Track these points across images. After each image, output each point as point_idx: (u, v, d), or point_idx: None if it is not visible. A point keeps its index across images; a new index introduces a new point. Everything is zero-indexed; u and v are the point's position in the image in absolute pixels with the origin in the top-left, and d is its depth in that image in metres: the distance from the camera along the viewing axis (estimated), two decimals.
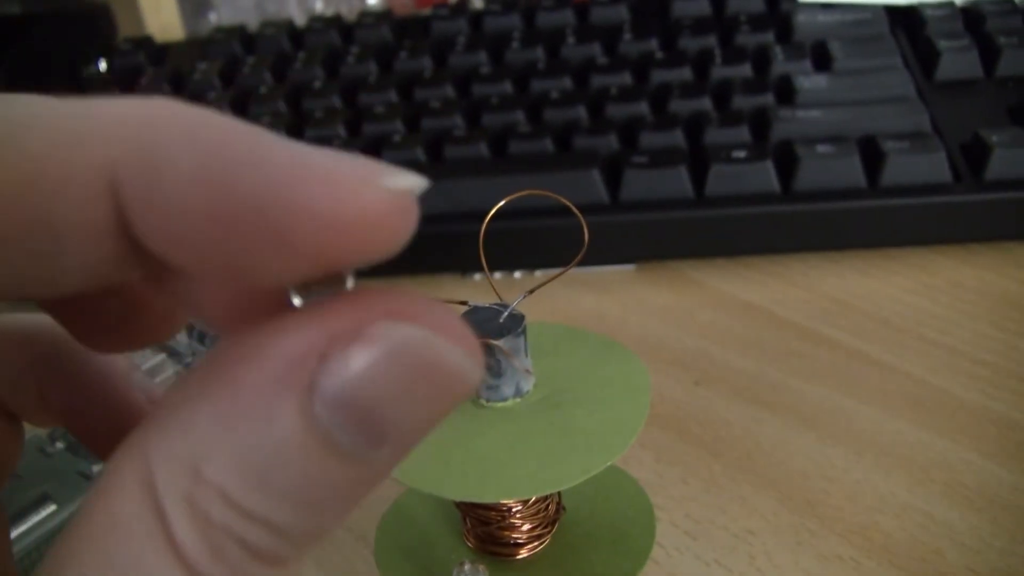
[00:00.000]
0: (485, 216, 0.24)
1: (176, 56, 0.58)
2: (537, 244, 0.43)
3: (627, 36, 0.52)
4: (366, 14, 0.58)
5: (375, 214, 0.12)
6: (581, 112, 0.47)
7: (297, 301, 0.13)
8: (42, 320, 0.18)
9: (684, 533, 0.29)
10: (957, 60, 0.47)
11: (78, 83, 0.56)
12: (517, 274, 0.45)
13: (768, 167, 0.42)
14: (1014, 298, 0.39)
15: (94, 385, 0.19)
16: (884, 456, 0.31)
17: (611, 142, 0.45)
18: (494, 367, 0.23)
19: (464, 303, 0.24)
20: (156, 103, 0.12)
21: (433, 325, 0.12)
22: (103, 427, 0.19)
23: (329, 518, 0.12)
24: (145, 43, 0.59)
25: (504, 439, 0.22)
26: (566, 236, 0.42)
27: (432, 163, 0.46)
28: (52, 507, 0.28)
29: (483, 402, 0.23)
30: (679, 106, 0.46)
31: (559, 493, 0.26)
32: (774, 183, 0.42)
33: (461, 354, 0.12)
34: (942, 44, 0.47)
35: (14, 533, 0.27)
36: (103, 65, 0.57)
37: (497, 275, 0.45)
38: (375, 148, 0.46)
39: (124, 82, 0.55)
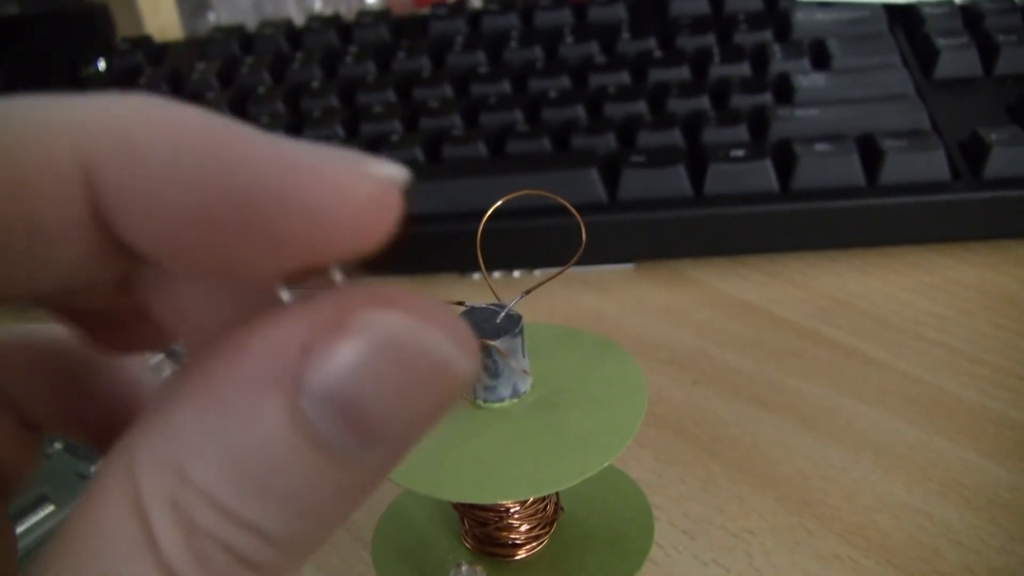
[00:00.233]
0: (483, 216, 0.24)
1: (175, 56, 0.58)
2: (536, 243, 0.43)
3: (625, 35, 0.52)
4: (364, 14, 0.58)
5: (363, 204, 0.11)
6: (579, 111, 0.47)
7: (287, 297, 0.12)
8: (62, 331, 0.18)
9: (682, 533, 0.29)
10: (956, 58, 0.46)
11: (77, 83, 0.56)
12: (516, 273, 0.45)
13: (767, 166, 0.42)
14: (1013, 296, 0.39)
15: (114, 395, 0.18)
16: (882, 455, 0.31)
17: (609, 141, 0.45)
18: (491, 368, 0.23)
19: (461, 303, 0.24)
20: (134, 97, 0.12)
21: (420, 315, 0.12)
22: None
23: (320, 526, 0.12)
24: (144, 43, 0.59)
25: (501, 440, 0.22)
26: (565, 235, 0.42)
27: (430, 163, 0.46)
28: (50, 508, 0.28)
29: (480, 403, 0.23)
30: (677, 105, 0.46)
31: (557, 494, 0.26)
32: (772, 182, 0.42)
33: (450, 344, 0.12)
34: (941, 42, 0.47)
35: None
36: (102, 65, 0.57)
37: (496, 274, 0.44)
38: (373, 148, 0.46)
39: (123, 82, 0.55)
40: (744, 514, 0.30)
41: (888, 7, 0.51)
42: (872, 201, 0.41)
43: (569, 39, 0.52)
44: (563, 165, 0.43)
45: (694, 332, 0.39)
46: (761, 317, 0.40)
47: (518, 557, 0.25)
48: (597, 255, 0.44)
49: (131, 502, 0.11)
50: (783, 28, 0.51)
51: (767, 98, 0.46)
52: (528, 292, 0.24)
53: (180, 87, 0.54)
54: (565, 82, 0.49)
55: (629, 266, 0.45)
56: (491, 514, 0.25)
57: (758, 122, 0.45)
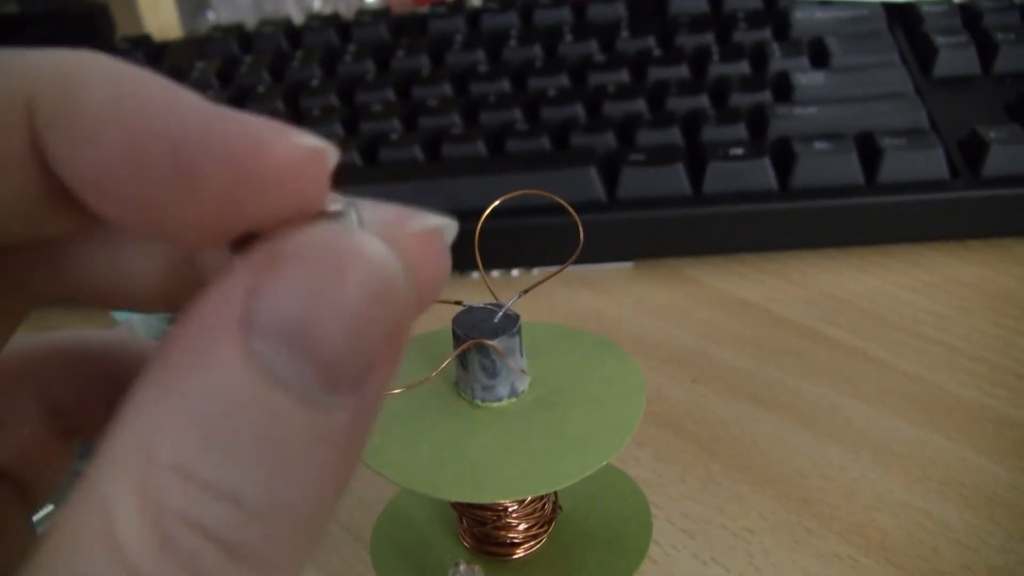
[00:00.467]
0: (481, 214, 0.24)
1: (174, 55, 0.58)
2: (534, 242, 0.43)
3: (624, 34, 0.52)
4: (364, 12, 0.58)
5: (281, 163, 0.12)
6: (578, 110, 0.47)
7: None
8: (113, 335, 0.18)
9: (682, 531, 0.29)
10: (955, 56, 0.46)
11: None
12: (514, 272, 0.45)
13: (766, 164, 0.42)
14: (1011, 295, 0.39)
15: None
16: (881, 454, 0.31)
17: (608, 140, 0.45)
18: (489, 367, 0.23)
19: (459, 303, 0.24)
20: (78, 51, 0.13)
21: (349, 233, 0.12)
22: None
23: (294, 486, 0.11)
24: (143, 42, 0.59)
25: (499, 439, 0.22)
26: (563, 234, 0.42)
27: (429, 161, 0.46)
28: (49, 507, 0.28)
29: (478, 402, 0.23)
30: (676, 103, 0.46)
31: (555, 493, 0.26)
32: (771, 180, 0.42)
33: (385, 252, 0.12)
34: (940, 40, 0.47)
35: None
36: None
37: (494, 273, 0.44)
38: (372, 146, 0.46)
39: None
40: (743, 513, 0.30)
41: (887, 5, 0.51)
42: (871, 199, 0.41)
43: (568, 38, 0.52)
44: (562, 164, 0.43)
45: (693, 331, 0.39)
46: (760, 316, 0.40)
47: (516, 556, 0.26)
48: (596, 254, 0.43)
49: (93, 498, 0.11)
50: (782, 26, 0.51)
51: (766, 97, 0.46)
52: (526, 291, 0.24)
53: None
54: (564, 81, 0.49)
55: (628, 265, 0.45)
56: (489, 513, 0.25)
57: (757, 121, 0.45)
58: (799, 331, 0.38)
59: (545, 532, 0.26)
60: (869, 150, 0.42)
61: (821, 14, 0.51)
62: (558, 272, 0.24)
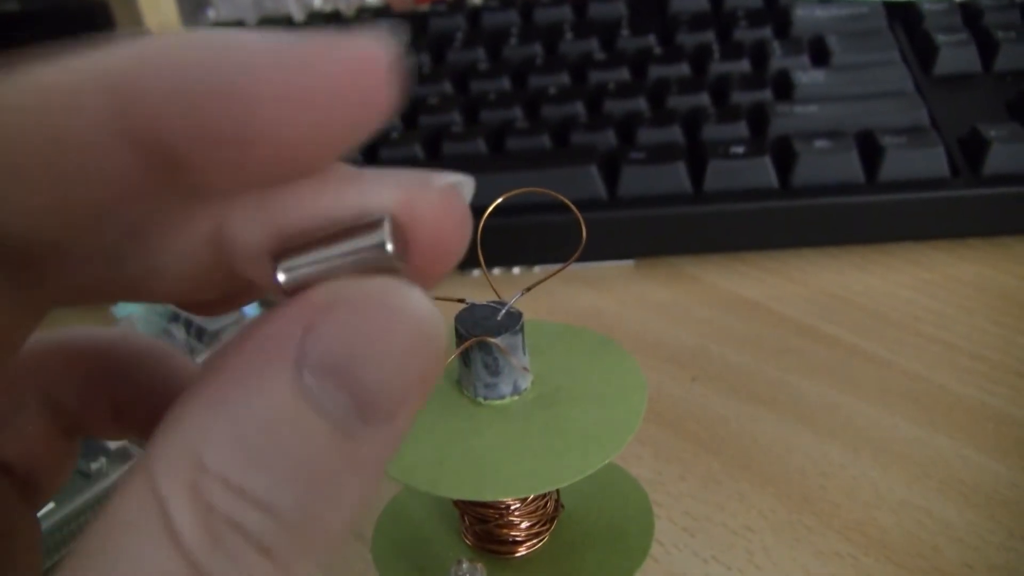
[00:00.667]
0: (483, 213, 0.24)
1: None
2: (536, 240, 0.43)
3: (625, 32, 0.51)
4: (364, 10, 0.58)
5: (338, 73, 0.12)
6: (579, 108, 0.47)
7: (282, 277, 0.13)
8: (115, 333, 0.19)
9: (682, 530, 0.29)
10: (955, 55, 0.46)
11: None
12: (516, 270, 0.45)
13: (766, 162, 0.42)
14: (1011, 293, 0.39)
15: (159, 391, 0.19)
16: (881, 452, 0.32)
17: (609, 138, 0.45)
18: (491, 365, 0.23)
19: (462, 300, 0.24)
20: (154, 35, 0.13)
21: (400, 287, 0.13)
22: None
23: (328, 505, 0.12)
24: None
25: (501, 437, 0.22)
26: (565, 232, 0.42)
27: (430, 159, 0.46)
28: (50, 505, 0.28)
29: (480, 400, 0.23)
30: (677, 102, 0.46)
31: (557, 491, 0.26)
32: (772, 179, 0.42)
33: (427, 306, 0.13)
34: (940, 39, 0.47)
35: None
36: None
37: (496, 271, 0.45)
38: (372, 145, 0.46)
39: None
40: (744, 511, 0.30)
41: (888, 4, 0.51)
42: (871, 198, 0.41)
43: (569, 36, 0.52)
44: (563, 162, 0.43)
45: (694, 329, 0.39)
46: (760, 314, 0.40)
47: (518, 554, 0.26)
48: (597, 252, 0.44)
49: (151, 494, 0.12)
50: (783, 25, 0.51)
51: (767, 95, 0.46)
52: (528, 289, 0.24)
53: None
54: (565, 79, 0.49)
55: (629, 263, 0.45)
56: (491, 511, 0.25)
57: (758, 119, 0.45)
58: (799, 329, 0.38)
59: (547, 530, 0.26)
60: (870, 148, 0.42)
61: (821, 12, 0.51)
62: (560, 270, 0.24)
